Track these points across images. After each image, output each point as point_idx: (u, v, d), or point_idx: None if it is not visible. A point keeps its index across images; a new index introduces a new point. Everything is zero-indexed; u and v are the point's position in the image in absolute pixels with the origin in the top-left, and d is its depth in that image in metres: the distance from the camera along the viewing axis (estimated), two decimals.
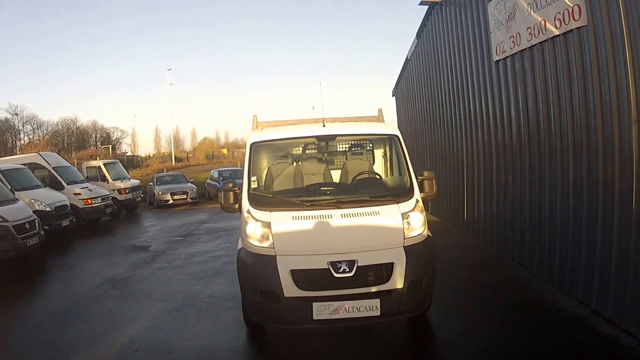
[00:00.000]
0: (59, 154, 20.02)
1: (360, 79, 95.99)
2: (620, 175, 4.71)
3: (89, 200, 13.89)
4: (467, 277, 6.79)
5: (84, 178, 15.59)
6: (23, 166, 12.90)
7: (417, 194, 4.91)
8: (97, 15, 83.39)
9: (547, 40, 5.85)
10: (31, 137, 52.42)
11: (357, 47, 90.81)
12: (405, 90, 16.11)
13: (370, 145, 6.12)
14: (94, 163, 18.57)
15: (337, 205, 4.66)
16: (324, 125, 5.51)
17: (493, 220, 8.27)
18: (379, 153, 6.20)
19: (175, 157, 45.07)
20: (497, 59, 7.43)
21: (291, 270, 4.31)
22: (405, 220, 4.60)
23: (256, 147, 5.38)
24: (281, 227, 4.51)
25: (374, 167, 6.06)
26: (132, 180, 18.80)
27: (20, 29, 73.87)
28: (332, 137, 5.67)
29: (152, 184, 21.35)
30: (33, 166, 13.54)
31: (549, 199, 6.16)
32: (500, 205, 7.89)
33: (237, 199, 4.97)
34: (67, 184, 13.89)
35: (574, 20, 5.21)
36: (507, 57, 7.05)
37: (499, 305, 5.58)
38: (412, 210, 4.70)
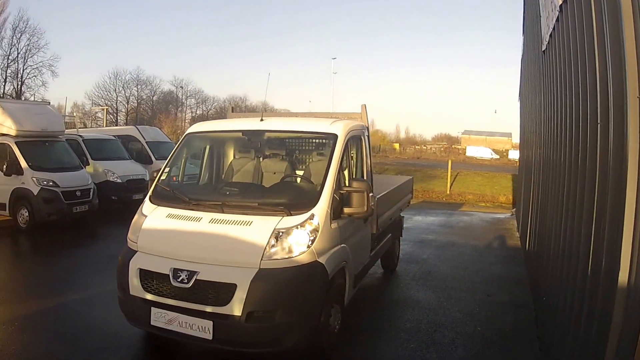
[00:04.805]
0: None
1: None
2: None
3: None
4: (463, 320, 5.47)
5: None
6: (112, 137, 13.25)
7: (320, 209, 4.03)
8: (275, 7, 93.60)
9: (557, 17, 4.25)
10: (194, 110, 58.76)
11: None
12: (523, 93, 13.89)
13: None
14: None
15: (221, 208, 4.15)
16: (261, 120, 5.08)
17: (537, 257, 6.49)
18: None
19: None
20: (543, 48, 5.76)
21: (139, 269, 4.01)
22: (276, 237, 3.81)
23: (188, 138, 5.30)
24: (151, 224, 4.26)
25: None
26: None
27: (201, 15, 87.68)
28: (261, 133, 5.12)
29: None
30: (129, 138, 13.93)
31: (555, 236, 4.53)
32: (539, 240, 6.16)
33: None
34: (157, 159, 13.42)
35: None
36: (547, 45, 5.41)
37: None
38: (297, 226, 3.88)
